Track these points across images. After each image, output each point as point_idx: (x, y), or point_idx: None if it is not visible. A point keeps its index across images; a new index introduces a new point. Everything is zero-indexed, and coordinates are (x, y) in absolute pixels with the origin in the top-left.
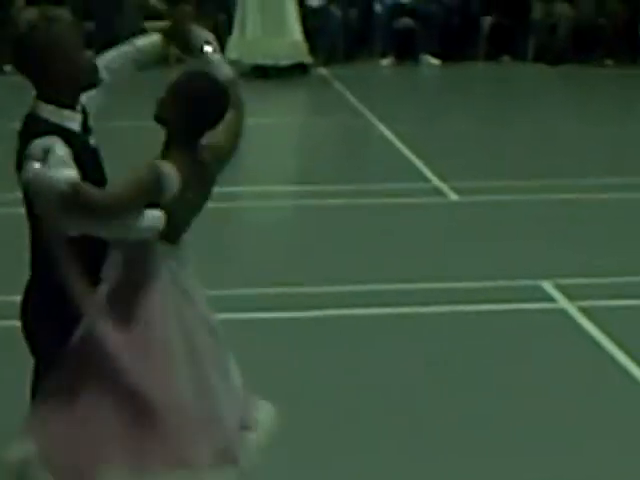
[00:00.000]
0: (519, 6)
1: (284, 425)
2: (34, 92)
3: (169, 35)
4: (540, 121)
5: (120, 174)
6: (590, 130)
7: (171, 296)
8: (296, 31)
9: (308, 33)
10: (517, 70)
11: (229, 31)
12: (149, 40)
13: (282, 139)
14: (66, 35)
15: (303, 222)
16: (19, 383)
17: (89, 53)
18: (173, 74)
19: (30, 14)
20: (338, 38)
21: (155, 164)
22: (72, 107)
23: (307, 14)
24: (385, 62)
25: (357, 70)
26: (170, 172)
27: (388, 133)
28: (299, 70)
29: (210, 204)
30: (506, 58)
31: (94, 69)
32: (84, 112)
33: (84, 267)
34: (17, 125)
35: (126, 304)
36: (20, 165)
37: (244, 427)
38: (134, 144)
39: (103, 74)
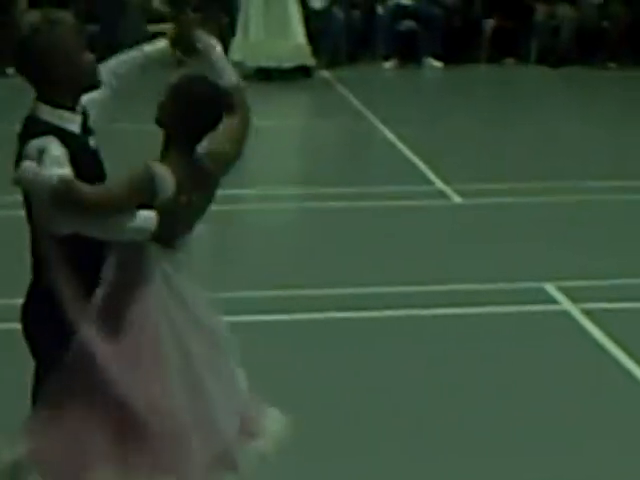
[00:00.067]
0: (521, 8)
1: (286, 427)
2: (34, 94)
3: (175, 41)
4: (543, 123)
5: (121, 176)
6: (593, 132)
7: (163, 299)
8: (299, 34)
9: (311, 35)
10: (520, 72)
11: (232, 34)
12: (156, 46)
13: (285, 142)
14: (67, 37)
15: (306, 224)
16: (20, 385)
17: (90, 55)
18: (173, 77)
19: (32, 17)
20: (341, 40)
21: (149, 165)
22: (72, 109)
23: (310, 16)
24: (388, 65)
25: (360, 72)
26: (164, 174)
27: (391, 136)
28: (302, 73)
29: (213, 206)
30: (509, 60)
31: (94, 71)
32: (84, 113)
33: (83, 270)
34: (19, 128)
35: (119, 307)
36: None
37: (247, 433)
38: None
39: (105, 77)
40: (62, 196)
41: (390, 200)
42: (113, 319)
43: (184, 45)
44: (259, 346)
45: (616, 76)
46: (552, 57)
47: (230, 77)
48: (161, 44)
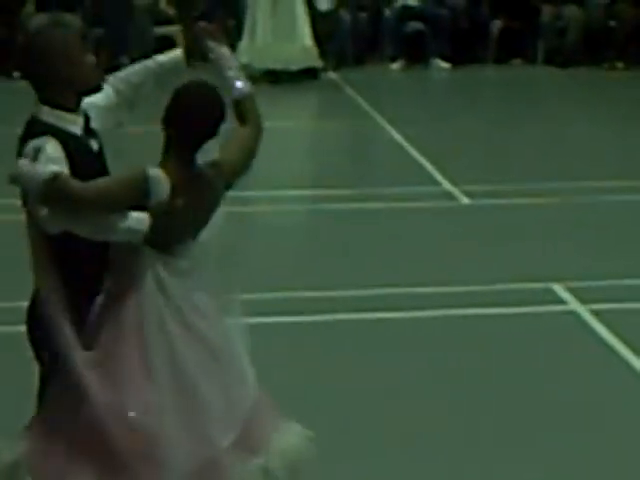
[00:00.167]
0: (528, 9)
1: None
2: (37, 96)
3: (188, 51)
4: (550, 124)
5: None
6: (601, 133)
7: (158, 306)
8: (306, 36)
9: (318, 38)
10: (527, 73)
11: (239, 36)
12: (170, 56)
13: (292, 143)
14: (68, 39)
15: (313, 226)
16: (24, 388)
17: (92, 58)
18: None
19: (39, 20)
20: (348, 42)
21: (143, 167)
22: (73, 110)
23: (317, 19)
24: (395, 66)
25: (367, 74)
26: (159, 176)
27: (398, 137)
28: (309, 75)
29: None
30: (516, 61)
31: (96, 73)
32: (86, 115)
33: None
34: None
35: (112, 314)
36: None
37: (249, 449)
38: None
39: (115, 83)
40: (52, 191)
41: (397, 201)
42: (107, 326)
43: (197, 55)
44: (266, 348)
45: (624, 76)
46: (559, 58)
47: (243, 87)
48: (175, 54)
